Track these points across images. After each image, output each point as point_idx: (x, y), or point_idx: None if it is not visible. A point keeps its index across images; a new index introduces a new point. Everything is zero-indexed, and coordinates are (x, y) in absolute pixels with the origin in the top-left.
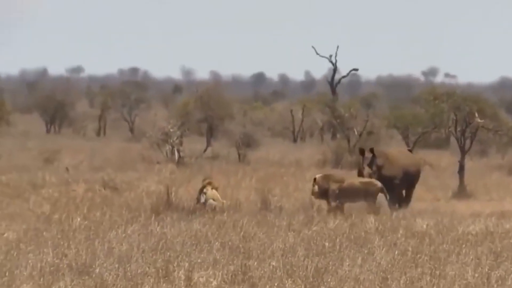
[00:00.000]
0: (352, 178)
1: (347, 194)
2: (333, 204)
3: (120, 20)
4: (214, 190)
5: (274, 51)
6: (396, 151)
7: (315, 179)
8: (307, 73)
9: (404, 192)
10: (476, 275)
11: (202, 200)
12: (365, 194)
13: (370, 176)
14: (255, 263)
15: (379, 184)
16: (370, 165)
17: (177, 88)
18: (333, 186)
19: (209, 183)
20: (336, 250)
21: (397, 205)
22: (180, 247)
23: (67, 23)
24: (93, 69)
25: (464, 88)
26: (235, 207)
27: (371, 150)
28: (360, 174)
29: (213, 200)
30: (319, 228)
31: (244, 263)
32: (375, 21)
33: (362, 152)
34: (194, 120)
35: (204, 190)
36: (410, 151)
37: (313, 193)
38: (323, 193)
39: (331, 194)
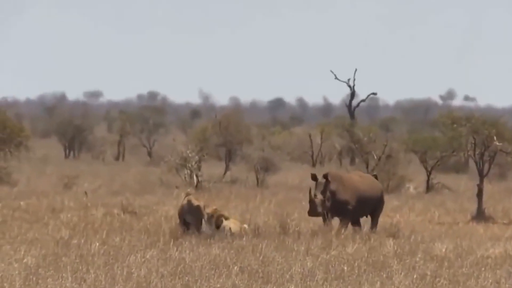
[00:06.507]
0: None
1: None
2: None
3: (139, 45)
4: (230, 220)
5: (292, 76)
6: (356, 176)
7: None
8: (325, 98)
9: (370, 218)
10: None
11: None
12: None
13: (322, 203)
14: None
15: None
16: (323, 192)
17: (195, 113)
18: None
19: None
20: (354, 274)
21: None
22: (199, 271)
23: (86, 48)
24: (112, 94)
25: (484, 111)
26: (253, 231)
27: (325, 176)
28: (312, 202)
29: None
30: (337, 252)
31: (262, 287)
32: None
33: (314, 177)
34: (212, 145)
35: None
36: (375, 176)
37: None
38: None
39: None
